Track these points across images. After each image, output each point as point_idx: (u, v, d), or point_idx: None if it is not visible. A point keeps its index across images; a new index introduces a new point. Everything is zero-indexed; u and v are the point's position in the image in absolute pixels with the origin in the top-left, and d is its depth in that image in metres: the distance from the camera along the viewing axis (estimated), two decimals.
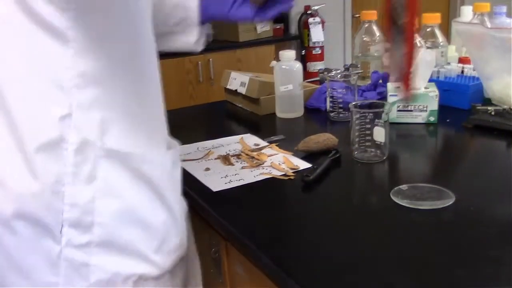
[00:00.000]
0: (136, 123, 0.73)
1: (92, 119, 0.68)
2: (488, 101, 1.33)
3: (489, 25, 1.50)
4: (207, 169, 1.07)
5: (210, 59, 3.06)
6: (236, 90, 1.54)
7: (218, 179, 1.01)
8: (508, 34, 1.23)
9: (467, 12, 1.68)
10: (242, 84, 1.52)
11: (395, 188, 0.91)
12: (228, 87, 1.60)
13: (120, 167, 0.71)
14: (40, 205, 0.67)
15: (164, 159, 0.77)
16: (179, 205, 0.80)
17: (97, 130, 0.68)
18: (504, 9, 1.65)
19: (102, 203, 0.69)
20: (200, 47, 1.04)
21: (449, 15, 3.69)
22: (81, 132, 0.67)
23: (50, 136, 0.67)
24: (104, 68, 0.68)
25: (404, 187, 0.92)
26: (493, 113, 1.23)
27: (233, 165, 1.09)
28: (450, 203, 0.86)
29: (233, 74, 1.60)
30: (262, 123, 1.42)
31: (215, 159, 1.13)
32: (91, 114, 0.68)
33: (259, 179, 1.00)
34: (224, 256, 0.94)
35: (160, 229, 0.75)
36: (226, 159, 1.11)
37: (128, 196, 0.71)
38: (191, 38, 1.02)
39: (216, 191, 0.97)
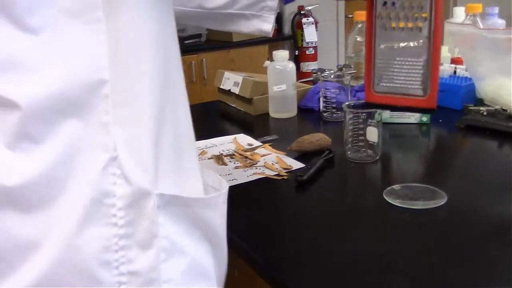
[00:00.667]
0: (183, 159, 0.58)
1: (145, 159, 0.52)
2: (480, 102, 1.33)
3: (481, 26, 1.51)
4: None
5: (204, 59, 3.05)
6: (229, 90, 1.54)
7: None
8: (500, 35, 1.23)
9: (459, 13, 1.69)
10: (236, 84, 1.52)
11: (388, 188, 0.92)
12: (221, 87, 1.60)
13: (180, 217, 0.56)
14: (86, 281, 0.51)
15: (220, 201, 0.62)
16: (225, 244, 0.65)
17: (152, 173, 0.53)
18: (496, 10, 1.66)
19: (169, 266, 0.54)
20: (272, 33, 0.89)
21: (442, 16, 3.70)
22: (132, 180, 0.51)
23: (88, 194, 0.51)
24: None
25: (397, 187, 0.92)
26: (485, 113, 1.23)
27: (226, 165, 1.08)
28: (443, 203, 0.86)
29: (227, 74, 1.60)
30: (256, 123, 1.42)
31: (209, 159, 1.12)
32: (142, 152, 0.52)
33: (253, 179, 1.00)
34: None
35: (214, 279, 0.61)
36: (219, 159, 1.11)
37: (193, 250, 0.57)
38: (267, 25, 0.87)
39: None
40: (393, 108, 0.84)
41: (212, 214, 0.59)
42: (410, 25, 0.78)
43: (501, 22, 1.66)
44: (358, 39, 1.62)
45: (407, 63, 0.81)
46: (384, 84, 0.85)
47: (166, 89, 0.55)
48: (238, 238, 0.81)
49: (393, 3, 0.80)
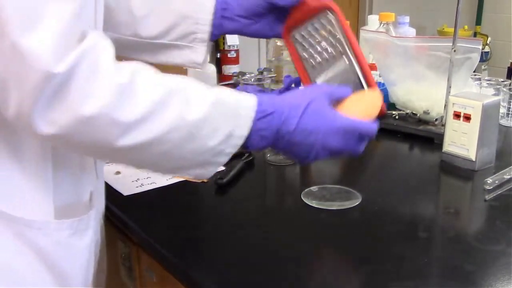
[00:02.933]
0: (15, 185, 0.65)
1: None
2: (392, 106, 1.39)
3: (393, 33, 1.58)
4: (118, 172, 1.04)
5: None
6: None
7: (129, 183, 0.99)
8: (410, 43, 1.30)
9: (374, 21, 1.76)
10: None
11: (306, 190, 0.93)
12: None
13: (4, 228, 0.64)
14: None
15: (57, 228, 0.68)
16: (81, 278, 0.73)
17: None
18: (407, 19, 1.74)
19: None
20: (205, 66, 0.90)
21: (358, 23, 3.85)
22: None
23: None
24: None
25: (314, 188, 0.94)
26: (397, 117, 1.29)
27: None
28: (357, 203, 0.89)
29: None
30: None
31: None
32: None
33: (172, 182, 0.99)
34: (135, 262, 0.92)
35: None
36: None
37: (11, 260, 0.65)
38: (198, 56, 0.88)
39: (127, 195, 0.94)
40: None
41: (40, 236, 0.66)
42: (329, 51, 0.85)
43: (411, 31, 1.74)
44: (278, 43, 1.64)
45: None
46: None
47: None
48: (156, 242, 0.79)
49: (311, 45, 0.86)
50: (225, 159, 0.65)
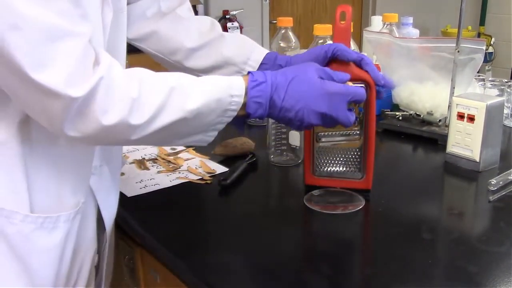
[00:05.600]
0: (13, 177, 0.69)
1: None
2: (396, 107, 1.39)
3: (397, 34, 1.57)
4: (122, 174, 1.04)
5: (127, 62, 2.98)
6: None
7: (133, 184, 0.99)
8: (414, 43, 1.30)
9: (377, 22, 1.75)
10: None
11: (308, 193, 0.93)
12: None
13: None
14: None
15: (22, 219, 0.70)
16: (51, 276, 0.73)
17: None
18: (410, 20, 1.74)
19: None
20: None
21: (361, 24, 3.84)
22: None
23: None
24: None
25: (316, 192, 0.94)
26: (400, 118, 1.29)
27: (149, 169, 1.06)
28: (360, 207, 0.89)
29: None
30: None
31: (130, 163, 1.10)
32: None
33: (175, 184, 0.99)
34: (139, 263, 0.92)
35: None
36: (141, 163, 1.09)
37: None
38: None
39: (131, 197, 0.94)
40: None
41: (7, 225, 0.69)
42: None
43: (415, 32, 1.74)
44: (281, 44, 1.64)
45: (345, 150, 0.91)
46: (323, 169, 0.94)
47: None
48: (160, 243, 0.79)
49: None
50: (223, 126, 0.76)
